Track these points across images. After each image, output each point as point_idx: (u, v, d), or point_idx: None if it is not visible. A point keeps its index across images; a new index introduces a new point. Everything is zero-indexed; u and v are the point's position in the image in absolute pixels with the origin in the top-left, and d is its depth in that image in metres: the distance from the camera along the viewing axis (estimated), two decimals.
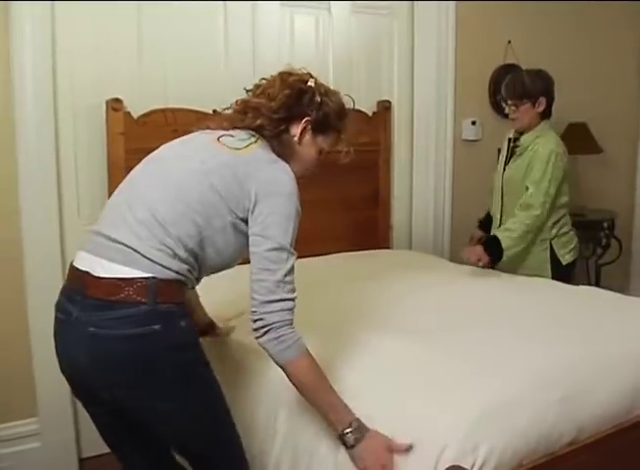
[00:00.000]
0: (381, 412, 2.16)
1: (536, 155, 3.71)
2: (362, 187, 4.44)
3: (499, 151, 4.14)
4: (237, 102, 2.38)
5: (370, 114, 4.47)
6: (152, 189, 2.15)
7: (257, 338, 2.09)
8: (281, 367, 2.12)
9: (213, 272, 2.31)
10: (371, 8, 4.52)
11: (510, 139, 3.95)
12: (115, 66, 3.67)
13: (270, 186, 2.14)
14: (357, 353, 2.51)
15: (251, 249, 2.13)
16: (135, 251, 2.04)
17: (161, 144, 2.42)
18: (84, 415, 3.51)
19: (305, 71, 2.39)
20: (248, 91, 2.39)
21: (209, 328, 2.82)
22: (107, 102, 3.55)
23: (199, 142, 2.30)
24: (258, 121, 2.27)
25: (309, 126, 2.34)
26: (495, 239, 3.65)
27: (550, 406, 2.17)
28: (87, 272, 2.06)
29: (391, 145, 4.61)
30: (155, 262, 2.04)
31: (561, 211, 3.85)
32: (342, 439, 2.09)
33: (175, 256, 2.08)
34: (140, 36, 3.74)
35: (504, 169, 3.93)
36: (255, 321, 2.08)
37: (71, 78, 3.57)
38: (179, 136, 2.46)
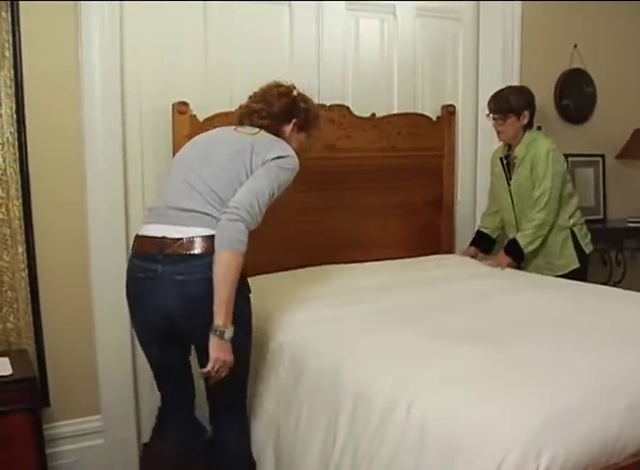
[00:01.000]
0: (445, 415, 2.15)
1: (536, 157, 4.00)
2: (425, 192, 4.43)
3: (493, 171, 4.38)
4: (242, 106, 3.05)
5: (434, 118, 4.45)
6: (202, 169, 2.77)
7: (229, 220, 2.59)
8: (223, 251, 2.57)
9: None
10: (436, 11, 4.51)
11: (502, 158, 4.20)
12: (182, 69, 3.72)
13: (281, 152, 2.79)
14: (421, 358, 2.50)
15: (253, 174, 2.73)
16: (206, 214, 2.65)
17: None
18: (146, 414, 3.57)
19: (289, 83, 3.06)
20: (250, 97, 3.05)
21: None
22: (173, 105, 3.60)
23: (223, 133, 2.96)
24: (265, 122, 2.94)
25: (296, 126, 3.02)
26: (514, 241, 4.05)
27: (615, 415, 2.13)
28: (164, 237, 2.66)
29: (456, 149, 4.59)
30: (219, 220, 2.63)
31: (572, 201, 4.16)
32: (222, 329, 2.57)
33: None
34: (206, 39, 3.79)
35: (509, 184, 4.17)
36: (235, 209, 2.61)
37: (139, 81, 3.64)
38: None
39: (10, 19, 3.23)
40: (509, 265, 4.04)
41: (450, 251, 4.55)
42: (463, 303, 3.23)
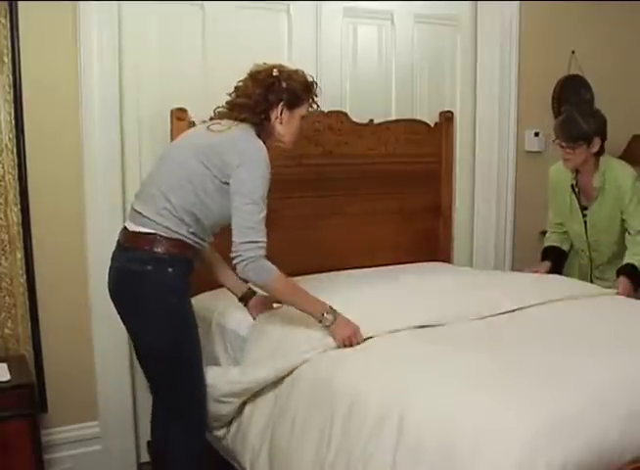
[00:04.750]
0: (441, 422, 2.15)
1: (622, 190, 3.77)
2: (423, 198, 4.43)
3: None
4: (226, 102, 2.96)
5: (432, 124, 4.45)
6: (160, 170, 2.86)
7: (239, 270, 2.70)
8: (262, 287, 2.82)
9: (213, 230, 2.92)
10: (434, 18, 4.51)
11: (572, 185, 3.92)
12: (180, 75, 3.72)
13: (243, 155, 2.72)
14: (417, 363, 2.50)
15: (231, 204, 2.71)
16: (143, 215, 2.77)
17: None
18: (144, 420, 3.57)
19: (268, 66, 2.95)
20: (231, 94, 2.97)
21: (248, 295, 3.23)
22: (171, 111, 3.60)
23: (193, 132, 3.01)
24: (243, 115, 2.86)
25: (284, 108, 2.90)
26: (633, 267, 3.73)
27: (614, 423, 2.12)
28: (124, 227, 2.88)
29: (453, 156, 4.58)
30: (156, 223, 2.73)
31: None
32: (322, 321, 2.74)
33: (174, 217, 2.74)
34: (204, 46, 3.81)
35: (584, 215, 3.93)
36: (234, 258, 2.68)
37: (137, 87, 3.65)
38: None
39: (8, 24, 3.24)
40: (629, 293, 3.67)
41: (448, 257, 4.56)
42: (466, 310, 3.21)
